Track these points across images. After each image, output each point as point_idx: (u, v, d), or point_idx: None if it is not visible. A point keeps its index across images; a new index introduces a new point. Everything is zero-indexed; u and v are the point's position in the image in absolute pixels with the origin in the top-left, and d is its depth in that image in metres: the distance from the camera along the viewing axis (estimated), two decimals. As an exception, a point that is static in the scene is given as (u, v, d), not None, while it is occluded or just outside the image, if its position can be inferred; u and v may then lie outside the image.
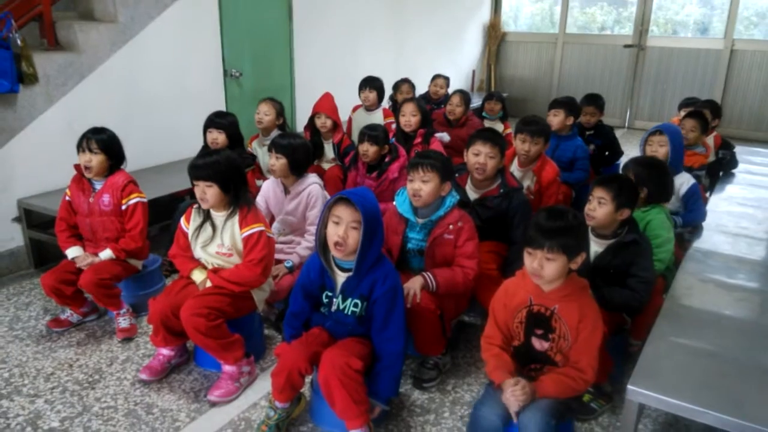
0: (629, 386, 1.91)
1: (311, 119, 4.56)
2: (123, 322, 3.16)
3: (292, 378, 2.28)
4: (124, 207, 3.12)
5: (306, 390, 2.58)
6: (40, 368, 2.87)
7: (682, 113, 4.72)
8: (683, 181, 3.51)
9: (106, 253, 3.07)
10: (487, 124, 5.32)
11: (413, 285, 2.57)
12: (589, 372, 2.08)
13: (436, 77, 6.13)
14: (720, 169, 4.57)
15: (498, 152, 3.05)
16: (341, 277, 2.35)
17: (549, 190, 3.61)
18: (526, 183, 3.66)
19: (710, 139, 4.68)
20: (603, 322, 2.35)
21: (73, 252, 3.13)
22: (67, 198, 3.20)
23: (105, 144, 3.05)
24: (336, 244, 2.22)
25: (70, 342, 3.11)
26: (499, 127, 5.34)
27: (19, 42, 3.62)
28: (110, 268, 3.06)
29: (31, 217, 3.91)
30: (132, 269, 3.22)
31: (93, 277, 2.96)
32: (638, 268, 2.55)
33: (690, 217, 3.40)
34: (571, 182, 4.27)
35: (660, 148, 3.49)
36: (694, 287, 2.62)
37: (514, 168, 3.75)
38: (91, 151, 3.03)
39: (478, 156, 3.05)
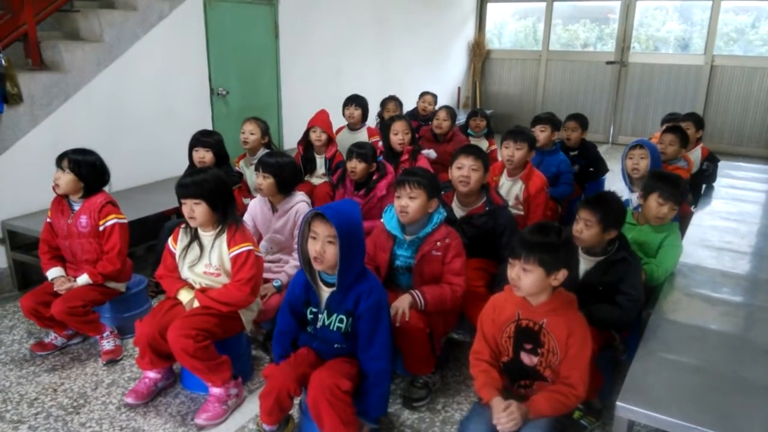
0: (618, 403, 1.91)
1: (306, 133, 4.61)
2: (107, 344, 3.11)
3: (280, 400, 2.26)
4: (101, 228, 3.05)
5: (294, 412, 2.56)
6: (23, 393, 2.82)
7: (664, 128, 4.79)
8: None
9: (83, 279, 3.01)
10: (472, 140, 5.36)
11: (401, 304, 2.56)
12: (581, 387, 2.08)
13: (424, 94, 6.17)
14: (702, 182, 4.62)
15: (481, 165, 3.09)
16: (326, 293, 2.35)
17: (537, 199, 3.65)
18: (515, 192, 3.69)
19: (697, 151, 4.73)
20: (592, 338, 2.36)
21: (53, 273, 3.08)
22: (48, 220, 3.16)
23: (77, 166, 2.98)
24: (314, 259, 2.24)
25: (54, 366, 3.06)
26: (484, 144, 5.38)
27: (3, 62, 3.60)
28: (83, 294, 2.99)
29: (14, 239, 3.87)
30: (113, 292, 3.17)
31: (63, 306, 2.88)
32: (627, 285, 2.56)
33: None
34: (557, 197, 4.31)
35: (641, 161, 3.62)
36: (680, 302, 2.64)
37: (504, 179, 3.78)
38: (62, 169, 2.98)
39: (462, 169, 3.09)
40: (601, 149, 5.28)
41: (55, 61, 4.09)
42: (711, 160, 4.75)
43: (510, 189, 3.75)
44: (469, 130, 5.61)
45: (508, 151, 3.69)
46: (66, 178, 2.99)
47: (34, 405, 2.73)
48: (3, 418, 2.64)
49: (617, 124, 9.43)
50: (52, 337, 3.19)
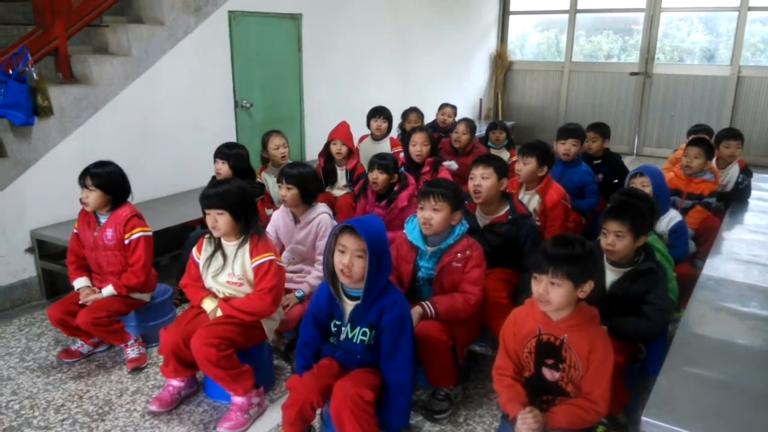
0: (643, 418, 1.88)
1: (326, 146, 4.65)
2: (132, 352, 3.16)
3: (303, 412, 2.27)
4: (126, 241, 3.09)
5: (316, 422, 2.56)
6: (50, 400, 2.87)
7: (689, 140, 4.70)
8: (671, 217, 3.51)
9: (108, 290, 3.06)
10: (493, 153, 5.33)
11: (411, 315, 2.55)
12: (602, 403, 2.05)
13: (443, 106, 6.19)
14: (737, 195, 4.50)
15: (492, 172, 3.07)
16: (349, 306, 2.36)
17: (554, 212, 3.61)
18: (533, 206, 3.68)
19: (735, 165, 4.63)
20: (618, 351, 2.33)
21: (79, 283, 3.14)
22: (75, 231, 3.22)
23: (101, 180, 3.02)
24: (341, 273, 2.24)
25: (80, 373, 3.11)
26: (505, 155, 5.36)
27: (35, 75, 3.71)
28: (108, 305, 3.03)
29: (43, 248, 3.95)
30: (137, 303, 3.21)
31: (88, 317, 2.94)
32: (654, 296, 2.53)
33: (673, 253, 3.35)
34: (584, 209, 4.24)
35: (643, 189, 3.43)
36: (707, 316, 2.59)
37: (522, 192, 3.77)
38: (87, 187, 3.03)
39: (473, 179, 3.10)
40: (626, 161, 5.23)
41: (85, 75, 4.18)
42: (746, 173, 4.62)
43: (528, 203, 3.72)
44: (489, 143, 5.60)
45: (518, 166, 3.70)
46: (93, 195, 3.03)
47: (61, 411, 2.78)
48: (30, 424, 2.68)
49: (642, 136, 9.33)
50: (79, 345, 3.25)
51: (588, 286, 2.05)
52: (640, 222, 2.55)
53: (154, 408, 2.75)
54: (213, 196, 2.68)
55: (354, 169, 4.60)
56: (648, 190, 3.46)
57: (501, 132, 5.57)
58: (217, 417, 2.72)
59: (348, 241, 2.22)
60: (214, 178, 3.90)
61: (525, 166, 3.64)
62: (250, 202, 2.80)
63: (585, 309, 2.13)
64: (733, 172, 4.58)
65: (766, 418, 1.87)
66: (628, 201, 2.73)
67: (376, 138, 5.25)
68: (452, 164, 4.92)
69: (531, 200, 3.71)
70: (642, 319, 2.53)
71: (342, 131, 4.60)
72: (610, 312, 2.47)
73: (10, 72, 3.62)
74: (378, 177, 3.81)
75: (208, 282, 2.84)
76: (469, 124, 5.21)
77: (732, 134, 4.69)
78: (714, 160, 4.62)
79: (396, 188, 3.90)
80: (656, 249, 2.89)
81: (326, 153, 4.68)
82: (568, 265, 2.01)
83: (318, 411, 2.51)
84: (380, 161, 3.84)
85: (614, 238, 2.54)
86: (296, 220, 3.36)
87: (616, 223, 2.54)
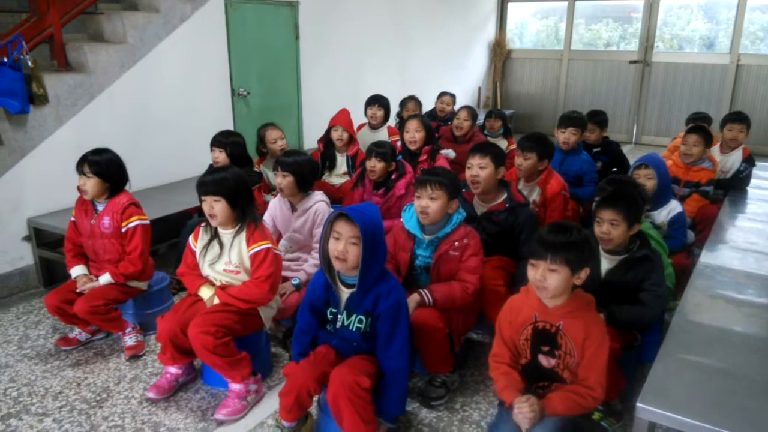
0: (639, 404, 1.89)
1: (327, 132, 4.65)
2: (129, 340, 3.16)
3: (300, 398, 2.28)
4: (123, 230, 3.09)
5: (313, 409, 2.57)
6: (48, 387, 2.88)
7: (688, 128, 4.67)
8: (671, 208, 3.50)
9: (105, 278, 3.06)
10: (490, 141, 5.32)
11: (408, 303, 2.55)
12: (598, 389, 2.06)
13: (442, 94, 6.17)
14: (737, 183, 4.49)
15: (490, 161, 3.06)
16: (345, 293, 2.36)
17: (554, 202, 3.61)
18: (533, 197, 3.67)
19: (739, 152, 4.62)
20: (614, 338, 2.34)
21: (76, 271, 3.14)
22: (72, 219, 3.22)
23: (99, 167, 3.01)
24: (336, 258, 2.24)
25: (78, 360, 3.11)
26: (503, 143, 5.35)
27: (29, 63, 3.68)
28: (105, 293, 3.03)
29: (40, 236, 3.95)
30: (135, 291, 3.21)
31: (85, 305, 2.94)
32: (651, 282, 2.53)
33: (670, 244, 3.34)
34: (583, 197, 4.24)
35: (648, 182, 3.43)
36: (704, 303, 2.60)
37: (521, 184, 3.76)
38: (85, 174, 3.01)
39: (471, 169, 3.09)
40: (624, 149, 5.21)
41: (80, 63, 4.16)
42: (749, 161, 4.57)
43: (528, 194, 3.71)
44: (485, 131, 5.59)
45: (518, 160, 3.66)
46: (91, 183, 3.02)
47: (59, 398, 2.79)
48: (28, 411, 2.69)
49: (640, 124, 9.31)
50: (77, 333, 3.25)
51: (584, 273, 2.06)
52: (634, 210, 2.55)
53: (151, 395, 2.76)
54: (209, 182, 2.68)
55: (356, 155, 4.60)
56: (653, 182, 3.44)
57: (496, 120, 5.55)
58: (215, 404, 2.73)
59: (343, 228, 2.23)
60: (211, 166, 3.88)
61: (526, 161, 3.61)
62: (247, 190, 2.79)
63: (580, 296, 2.14)
64: (735, 158, 4.56)
65: (762, 405, 1.88)
66: (621, 189, 2.73)
67: (373, 126, 5.24)
68: (450, 152, 4.91)
69: (531, 192, 3.70)
70: (640, 305, 2.53)
71: (343, 118, 4.60)
72: (606, 300, 2.48)
73: (5, 60, 3.60)
74: (375, 165, 3.81)
75: (205, 270, 2.83)
76: (471, 111, 5.20)
77: (737, 117, 4.65)
78: (719, 146, 4.62)
79: (393, 176, 3.90)
80: (650, 236, 2.89)
81: (326, 139, 4.68)
82: (566, 252, 2.01)
83: (315, 398, 2.52)
84: (378, 149, 3.83)
85: (609, 226, 2.55)
86: (293, 209, 3.35)
87: (610, 211, 2.54)
